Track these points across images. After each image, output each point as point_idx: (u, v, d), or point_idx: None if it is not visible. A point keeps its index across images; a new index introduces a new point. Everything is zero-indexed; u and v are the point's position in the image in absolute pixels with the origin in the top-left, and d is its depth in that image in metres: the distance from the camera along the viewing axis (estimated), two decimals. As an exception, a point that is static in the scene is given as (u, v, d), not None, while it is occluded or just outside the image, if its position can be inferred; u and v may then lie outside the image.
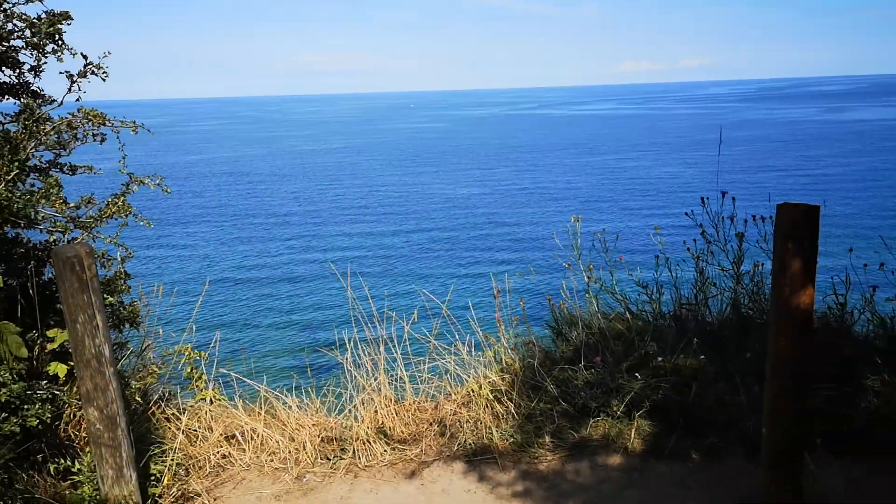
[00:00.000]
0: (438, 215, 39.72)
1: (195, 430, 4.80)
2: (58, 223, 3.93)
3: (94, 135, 4.61)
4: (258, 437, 4.85)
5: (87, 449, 3.85)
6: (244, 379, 5.10)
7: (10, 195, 3.62)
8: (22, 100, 4.07)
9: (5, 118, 4.02)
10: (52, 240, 4.05)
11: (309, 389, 5.07)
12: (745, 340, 4.93)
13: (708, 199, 5.22)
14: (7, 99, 4.07)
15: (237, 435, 4.86)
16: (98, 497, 3.64)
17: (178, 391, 5.01)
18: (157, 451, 4.34)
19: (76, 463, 3.87)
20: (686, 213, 5.36)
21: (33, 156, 3.96)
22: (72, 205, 4.06)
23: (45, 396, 3.78)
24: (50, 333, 4.00)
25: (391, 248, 32.13)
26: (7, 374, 3.56)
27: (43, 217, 3.85)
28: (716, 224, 5.16)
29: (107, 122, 4.13)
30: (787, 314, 3.18)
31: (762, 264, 5.15)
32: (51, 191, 3.84)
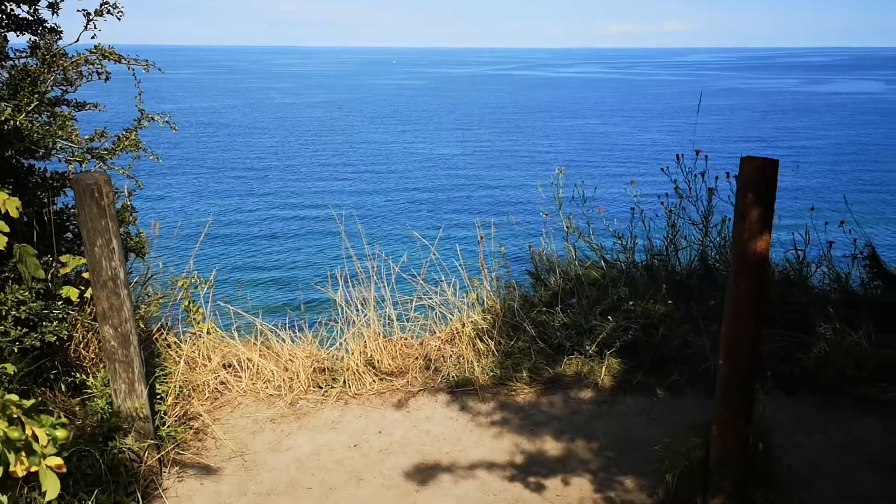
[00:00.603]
0: (419, 174, 39.76)
1: (194, 358, 5.11)
2: (75, 153, 4.16)
3: (97, 73, 4.79)
4: (254, 366, 5.17)
5: (101, 366, 4.15)
6: (240, 312, 5.39)
7: (30, 125, 3.84)
8: (38, 35, 4.24)
9: (22, 53, 4.20)
10: (69, 170, 4.27)
11: (302, 324, 5.37)
12: (710, 289, 5.31)
13: (683, 156, 5.54)
14: (24, 34, 4.24)
15: (234, 363, 5.18)
16: (111, 409, 3.93)
17: (179, 322, 5.28)
18: (160, 374, 4.64)
19: (90, 378, 4.16)
20: (661, 169, 5.68)
21: (52, 88, 4.16)
22: (86, 137, 4.28)
23: (60, 315, 4.05)
24: (63, 259, 4.24)
25: (373, 208, 32.23)
26: (27, 293, 3.81)
27: (60, 147, 4.08)
28: (688, 181, 5.50)
29: (122, 60, 4.33)
30: (745, 258, 3.52)
31: (729, 219, 5.51)
32: (66, 123, 4.06)
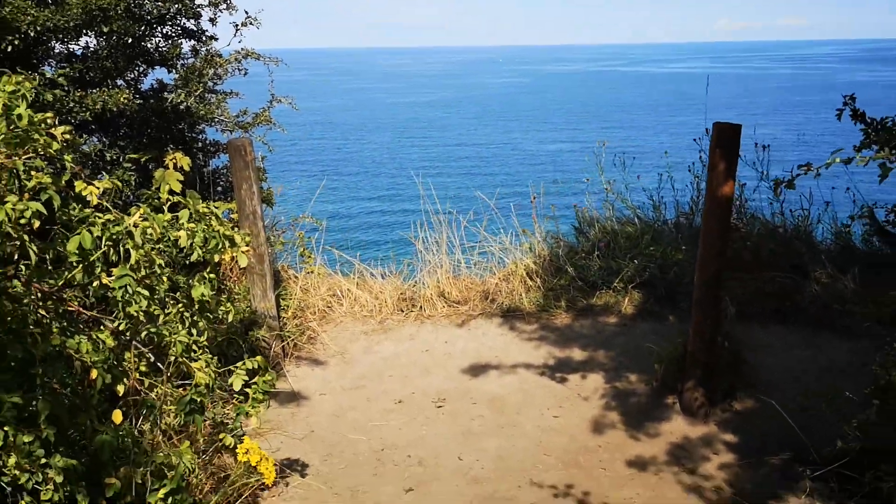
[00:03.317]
0: (524, 171, 40.67)
1: (307, 287, 6.62)
2: (227, 125, 5.74)
3: (239, 70, 6.40)
4: (352, 294, 6.63)
5: (243, 279, 5.70)
6: (343, 255, 6.87)
7: (196, 105, 5.42)
8: (200, 41, 5.87)
9: (189, 55, 5.83)
10: (224, 138, 5.88)
11: (390, 264, 6.80)
12: (724, 241, 6.34)
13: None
14: (190, 41, 5.86)
15: (337, 293, 6.66)
16: (250, 309, 5.47)
17: (296, 262, 6.81)
18: (283, 293, 6.18)
19: (235, 286, 5.73)
20: (694, 140, 6.69)
21: (211, 80, 5.77)
22: (233, 115, 5.86)
23: (216, 243, 5.63)
24: (215, 204, 5.82)
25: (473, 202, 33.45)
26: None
27: (216, 121, 5.66)
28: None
29: (260, 58, 5.89)
30: (713, 199, 4.62)
31: (744, 184, 6.51)
32: (220, 104, 5.63)
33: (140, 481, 2.55)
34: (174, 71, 5.69)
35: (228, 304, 3.63)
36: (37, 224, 2.22)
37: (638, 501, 4.04)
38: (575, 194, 7.73)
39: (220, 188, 6.10)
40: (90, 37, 5.21)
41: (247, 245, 2.88)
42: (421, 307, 6.45)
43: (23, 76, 2.33)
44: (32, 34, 4.63)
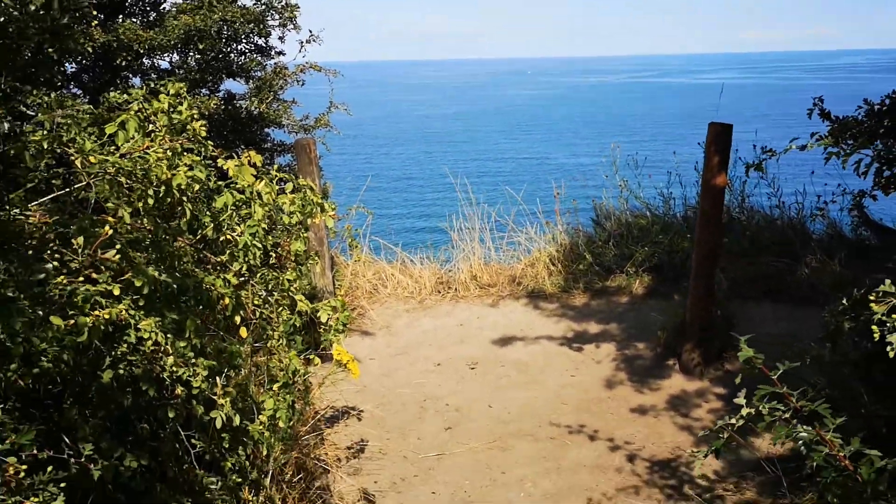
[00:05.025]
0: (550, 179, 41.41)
1: (355, 272, 7.54)
2: (293, 127, 6.71)
3: (297, 80, 7.38)
4: (395, 279, 7.53)
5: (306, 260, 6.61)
6: (388, 245, 7.78)
7: (268, 111, 6.39)
8: (270, 56, 6.86)
9: (260, 69, 6.82)
10: (290, 139, 6.83)
11: (429, 253, 7.70)
12: (727, 231, 7.13)
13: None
14: (262, 56, 6.86)
15: (382, 277, 7.56)
16: (311, 285, 6.39)
17: (346, 250, 7.72)
18: (337, 274, 7.09)
19: (292, 273, 6.64)
20: (699, 143, 7.48)
21: (281, 89, 6.75)
22: (297, 118, 6.83)
23: (282, 228, 6.57)
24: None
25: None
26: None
27: (284, 124, 6.62)
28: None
29: (321, 70, 6.86)
30: (708, 189, 5.44)
31: (745, 181, 7.30)
32: (287, 110, 6.60)
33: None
34: (251, 81, 6.68)
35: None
36: (196, 188, 3.11)
37: (639, 436, 4.85)
38: (595, 188, 8.56)
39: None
40: (186, 53, 6.23)
41: (333, 211, 3.77)
42: (456, 289, 7.32)
43: (181, 83, 3.24)
44: (142, 51, 5.63)
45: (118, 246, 2.80)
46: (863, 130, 3.92)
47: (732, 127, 5.43)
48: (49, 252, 2.72)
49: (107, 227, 2.84)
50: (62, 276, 2.61)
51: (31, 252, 2.73)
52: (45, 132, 2.92)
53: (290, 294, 3.65)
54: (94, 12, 4.71)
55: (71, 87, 6.75)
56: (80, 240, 2.64)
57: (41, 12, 2.19)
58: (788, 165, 7.47)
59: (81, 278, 2.70)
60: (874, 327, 2.40)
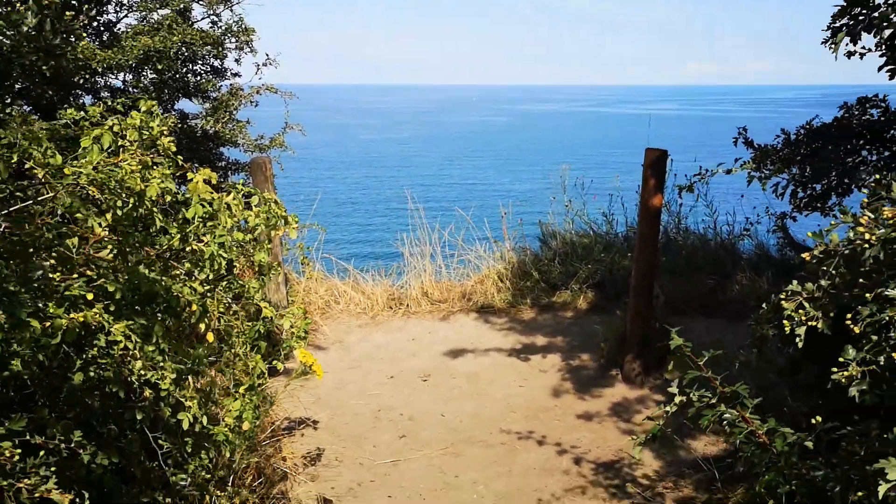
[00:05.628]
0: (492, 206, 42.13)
1: (308, 289, 7.68)
2: (248, 146, 6.86)
3: (251, 101, 7.55)
4: (347, 295, 7.70)
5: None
6: (340, 262, 7.96)
7: (223, 130, 6.53)
8: (226, 77, 7.02)
9: (217, 89, 6.97)
10: (247, 157, 6.98)
11: (381, 269, 7.89)
12: (664, 251, 7.54)
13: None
14: (218, 77, 7.02)
15: (334, 293, 7.72)
16: (266, 298, 6.50)
17: (299, 267, 7.87)
18: (290, 290, 7.22)
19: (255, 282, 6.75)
20: (642, 165, 7.91)
21: (235, 109, 6.90)
22: (252, 138, 6.99)
23: (237, 245, 6.70)
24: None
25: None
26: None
27: (239, 143, 6.77)
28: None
29: (277, 92, 7.04)
30: (646, 209, 5.80)
31: (681, 204, 7.73)
32: (242, 129, 6.75)
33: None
34: (206, 101, 6.82)
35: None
36: (168, 199, 3.27)
37: (584, 441, 5.12)
38: (541, 211, 8.91)
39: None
40: (140, 73, 6.35)
41: (296, 223, 3.96)
42: (408, 305, 7.53)
43: (153, 101, 3.41)
44: (99, 70, 5.73)
45: (108, 249, 2.96)
46: (781, 157, 4.32)
47: (667, 153, 5.82)
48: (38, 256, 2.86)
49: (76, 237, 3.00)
50: (57, 273, 2.75)
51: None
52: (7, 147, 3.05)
53: (255, 302, 3.81)
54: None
55: (20, 104, 6.78)
56: (75, 241, 2.79)
57: (33, 33, 2.35)
58: (722, 190, 7.96)
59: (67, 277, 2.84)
60: (785, 322, 2.70)
